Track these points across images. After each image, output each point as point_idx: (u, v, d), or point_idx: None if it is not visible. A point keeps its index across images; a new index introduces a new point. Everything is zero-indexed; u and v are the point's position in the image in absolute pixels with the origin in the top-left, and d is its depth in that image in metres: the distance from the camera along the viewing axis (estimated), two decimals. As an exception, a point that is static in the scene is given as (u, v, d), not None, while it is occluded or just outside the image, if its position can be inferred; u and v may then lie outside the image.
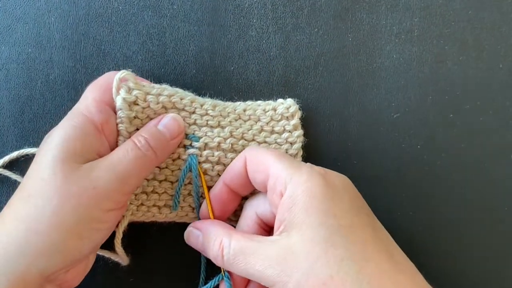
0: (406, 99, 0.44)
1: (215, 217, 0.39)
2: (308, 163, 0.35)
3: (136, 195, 0.39)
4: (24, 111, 0.43)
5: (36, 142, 0.42)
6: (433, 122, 0.44)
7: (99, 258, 0.40)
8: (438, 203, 0.44)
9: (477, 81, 0.44)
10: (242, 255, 0.33)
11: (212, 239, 0.35)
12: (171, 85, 0.40)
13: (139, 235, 0.41)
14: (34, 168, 0.34)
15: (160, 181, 0.40)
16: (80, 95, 0.42)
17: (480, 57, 0.45)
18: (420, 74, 0.44)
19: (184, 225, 0.40)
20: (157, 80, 0.43)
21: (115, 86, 0.36)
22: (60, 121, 0.42)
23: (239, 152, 0.39)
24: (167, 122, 0.38)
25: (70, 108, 0.42)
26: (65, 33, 0.43)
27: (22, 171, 0.42)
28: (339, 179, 0.35)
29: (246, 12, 0.44)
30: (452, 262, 0.43)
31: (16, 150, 0.42)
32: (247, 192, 0.39)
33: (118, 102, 0.36)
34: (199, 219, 0.40)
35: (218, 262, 0.35)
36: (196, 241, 0.37)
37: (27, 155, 0.42)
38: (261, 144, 0.41)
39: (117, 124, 0.37)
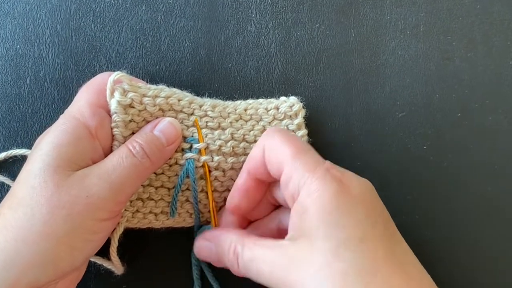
0: (411, 98, 0.43)
1: (242, 209, 0.38)
2: (327, 162, 0.34)
3: (131, 202, 0.38)
4: (12, 110, 0.41)
5: (25, 142, 0.41)
6: (440, 122, 0.43)
7: (90, 264, 0.39)
8: (445, 205, 0.43)
9: (486, 79, 0.43)
10: (254, 262, 0.33)
11: (226, 248, 0.34)
12: (167, 84, 0.38)
13: (132, 241, 0.40)
14: (24, 176, 0.33)
15: (157, 188, 0.38)
16: (71, 93, 0.42)
17: (489, 54, 0.44)
18: (426, 72, 0.43)
19: (180, 231, 0.39)
20: (152, 77, 0.42)
21: (109, 88, 0.35)
22: (49, 120, 0.42)
23: (240, 155, 0.39)
24: (163, 127, 0.36)
25: (60, 107, 0.42)
26: (55, 28, 0.42)
27: (10, 173, 0.41)
28: (358, 185, 0.33)
29: (245, 7, 0.43)
30: (459, 265, 0.43)
31: (3, 151, 0.41)
32: (272, 179, 0.37)
33: (113, 105, 0.35)
34: (197, 224, 0.39)
35: (234, 270, 0.34)
36: (210, 252, 0.36)
37: (15, 156, 0.41)
38: None
39: (111, 128, 0.35)
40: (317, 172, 0.32)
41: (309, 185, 0.32)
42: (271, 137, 0.35)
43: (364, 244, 0.30)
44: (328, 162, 0.34)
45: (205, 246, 0.37)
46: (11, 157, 0.40)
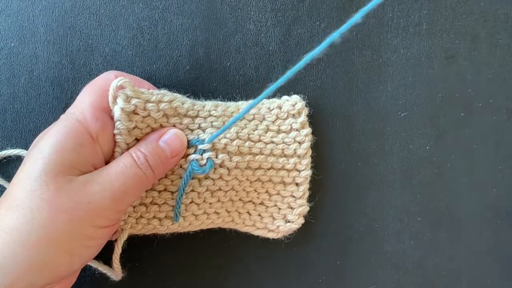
0: (414, 97, 0.42)
1: None
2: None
3: (134, 207, 0.37)
4: (6, 109, 0.41)
5: (19, 142, 0.41)
6: (442, 122, 0.42)
7: (85, 266, 0.39)
8: (447, 207, 0.42)
9: (490, 78, 0.43)
10: None
11: None
12: (164, 83, 0.38)
13: (129, 245, 0.39)
14: (22, 177, 0.32)
15: (160, 192, 0.37)
16: (66, 92, 0.41)
17: (493, 52, 0.43)
18: (429, 70, 0.42)
19: (179, 236, 0.38)
20: (149, 76, 0.41)
21: (112, 95, 0.33)
22: (44, 120, 0.41)
23: (245, 154, 0.38)
24: (169, 138, 0.36)
25: (55, 106, 0.41)
26: (50, 26, 0.41)
27: (5, 173, 0.40)
28: None
29: (244, 4, 0.42)
30: (461, 265, 0.42)
31: (-2, 151, 0.40)
32: None
33: (117, 113, 0.34)
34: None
35: None
36: None
37: (9, 156, 0.40)
38: (268, 145, 0.39)
39: (114, 135, 0.34)
40: None
41: None
42: None
43: None
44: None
45: None
46: (5, 157, 0.40)
